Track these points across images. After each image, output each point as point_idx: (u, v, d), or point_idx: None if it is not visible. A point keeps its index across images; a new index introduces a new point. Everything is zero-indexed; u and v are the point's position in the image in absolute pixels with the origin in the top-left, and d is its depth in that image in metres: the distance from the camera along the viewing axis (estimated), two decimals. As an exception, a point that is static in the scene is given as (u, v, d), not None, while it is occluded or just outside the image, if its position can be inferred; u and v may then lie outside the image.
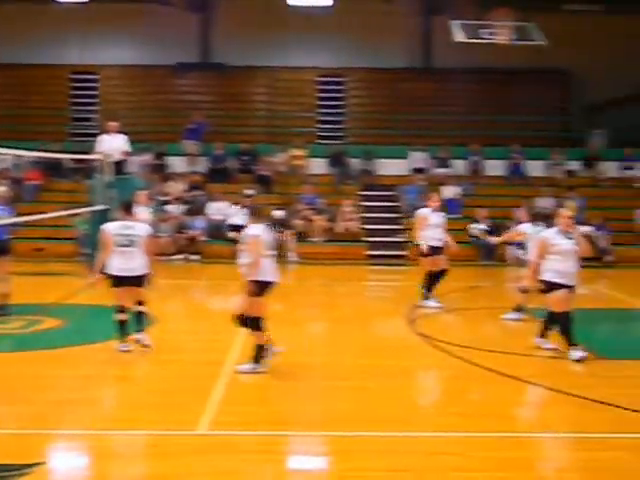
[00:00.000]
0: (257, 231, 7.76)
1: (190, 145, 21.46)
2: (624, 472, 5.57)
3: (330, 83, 26.14)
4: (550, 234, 8.67)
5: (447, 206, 20.05)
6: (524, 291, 10.45)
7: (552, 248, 8.48)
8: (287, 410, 6.71)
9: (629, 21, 24.51)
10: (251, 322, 7.74)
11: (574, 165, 22.05)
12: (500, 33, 16.91)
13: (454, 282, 14.99)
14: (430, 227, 11.73)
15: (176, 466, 5.41)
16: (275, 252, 8.00)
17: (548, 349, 8.85)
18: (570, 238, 8.55)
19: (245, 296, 7.70)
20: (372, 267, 18.40)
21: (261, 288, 7.68)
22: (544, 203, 19.79)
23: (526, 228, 10.79)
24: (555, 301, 8.51)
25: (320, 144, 23.79)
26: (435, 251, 11.77)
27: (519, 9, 18.18)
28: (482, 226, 19.00)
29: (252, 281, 7.63)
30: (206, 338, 9.79)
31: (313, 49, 25.64)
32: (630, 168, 21.60)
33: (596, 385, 7.64)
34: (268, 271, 7.75)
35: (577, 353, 8.37)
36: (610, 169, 21.86)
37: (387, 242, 19.32)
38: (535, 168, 21.88)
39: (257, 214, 8.00)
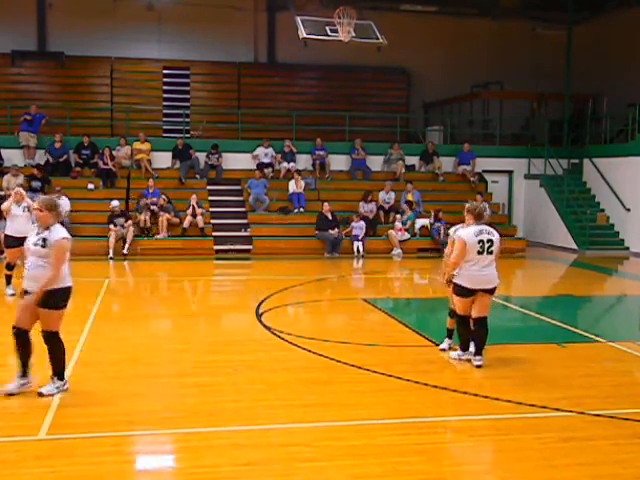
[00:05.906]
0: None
1: (26, 137, 20.48)
2: (461, 452, 5.93)
3: (176, 76, 25.79)
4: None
5: (292, 200, 20.43)
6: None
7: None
8: (133, 410, 6.60)
9: (459, 23, 25.86)
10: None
11: (413, 160, 22.91)
12: (342, 31, 17.29)
13: (300, 275, 15.31)
14: None
15: (16, 474, 5.21)
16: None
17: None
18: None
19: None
20: (219, 262, 18.36)
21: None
22: (386, 197, 20.54)
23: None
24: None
25: (165, 137, 23.45)
26: None
27: (360, 8, 18.70)
28: (424, 221, 19.54)
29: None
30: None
31: (158, 41, 25.19)
32: (465, 163, 22.67)
33: (433, 371, 8.04)
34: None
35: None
36: (446, 164, 22.85)
37: (234, 236, 19.33)
38: (377, 163, 22.56)
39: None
